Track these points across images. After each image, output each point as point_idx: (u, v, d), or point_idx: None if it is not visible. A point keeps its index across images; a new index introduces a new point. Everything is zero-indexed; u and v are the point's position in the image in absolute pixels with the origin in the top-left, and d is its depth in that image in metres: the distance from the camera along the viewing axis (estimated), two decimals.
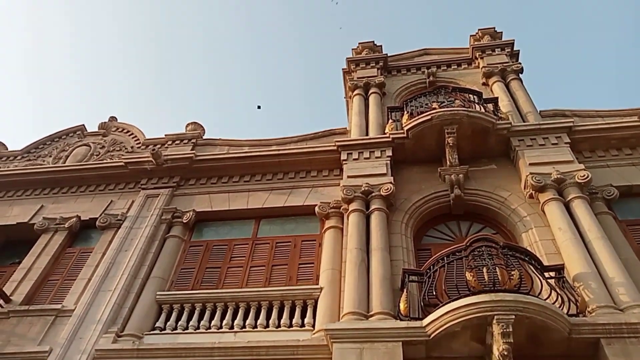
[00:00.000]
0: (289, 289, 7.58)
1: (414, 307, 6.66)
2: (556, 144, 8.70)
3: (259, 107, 29.01)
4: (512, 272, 6.20)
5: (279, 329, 7.10)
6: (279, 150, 10.07)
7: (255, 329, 7.14)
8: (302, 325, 7.12)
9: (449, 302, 6.05)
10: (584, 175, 7.87)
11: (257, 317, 7.33)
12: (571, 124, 8.90)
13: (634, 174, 8.38)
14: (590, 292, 6.35)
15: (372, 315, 6.59)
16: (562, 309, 6.01)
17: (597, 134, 8.85)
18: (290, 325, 7.15)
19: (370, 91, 11.63)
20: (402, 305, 6.57)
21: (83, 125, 12.53)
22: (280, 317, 7.28)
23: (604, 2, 36.86)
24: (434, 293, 6.48)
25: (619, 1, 36.44)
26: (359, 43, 13.28)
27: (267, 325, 7.18)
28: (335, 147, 9.64)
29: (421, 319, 6.26)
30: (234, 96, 40.99)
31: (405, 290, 6.77)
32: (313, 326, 7.02)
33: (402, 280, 6.95)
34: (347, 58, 12.84)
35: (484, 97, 9.91)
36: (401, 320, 6.44)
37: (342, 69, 12.97)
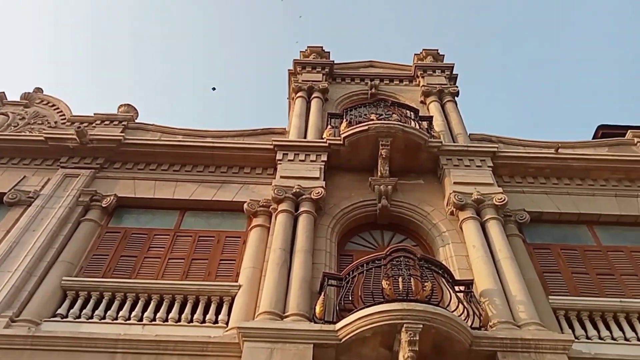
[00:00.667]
0: (206, 285, 7.40)
1: (330, 311, 6.73)
2: (480, 166, 9.17)
3: (213, 89, 28.34)
4: (426, 284, 6.44)
5: (191, 324, 6.90)
6: (213, 142, 9.85)
7: (166, 323, 6.89)
8: (216, 322, 6.97)
9: (363, 308, 6.17)
10: (501, 199, 8.35)
11: (169, 311, 7.08)
12: (495, 149, 9.42)
13: (545, 202, 9.00)
14: (494, 308, 6.72)
15: (287, 316, 6.58)
16: (466, 322, 6.30)
17: (517, 162, 9.43)
18: (203, 322, 6.97)
19: (313, 95, 11.71)
20: (318, 308, 6.62)
21: (3, 92, 11.61)
22: (193, 312, 7.08)
23: (546, 39, 39.55)
24: (351, 298, 6.59)
25: (558, 41, 39.23)
26: (308, 46, 13.35)
27: (179, 320, 6.95)
28: (271, 146, 9.59)
29: (335, 323, 6.33)
30: (174, 82, 39.80)
31: (323, 294, 6.83)
32: (227, 324, 6.90)
33: (322, 284, 7.01)
34: (294, 59, 12.86)
35: (420, 114, 10.27)
36: (315, 322, 6.48)
37: (288, 70, 12.97)
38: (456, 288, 6.81)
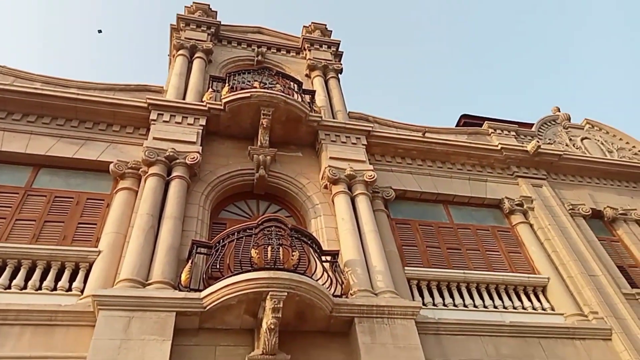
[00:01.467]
0: (60, 249, 6.76)
1: (197, 280, 6.61)
2: (355, 144, 9.57)
3: (99, 32, 25.49)
4: (294, 253, 6.61)
5: (39, 291, 6.30)
6: (78, 94, 8.89)
7: (8, 291, 6.20)
8: (69, 289, 6.44)
9: (230, 276, 6.16)
10: (371, 176, 8.83)
11: (13, 277, 6.37)
12: (370, 129, 9.88)
13: (409, 181, 9.73)
14: (356, 277, 7.16)
15: (150, 284, 6.32)
16: (329, 290, 6.63)
17: (389, 142, 10.02)
18: (54, 289, 6.40)
19: (196, 55, 11.13)
20: (183, 276, 6.45)
21: None
22: (43, 279, 6.46)
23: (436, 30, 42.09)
24: (220, 267, 6.52)
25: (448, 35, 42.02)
26: (194, 2, 12.58)
27: (25, 287, 6.30)
28: (145, 104, 8.95)
29: (201, 291, 6.24)
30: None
31: (190, 262, 6.66)
32: (82, 292, 6.42)
33: (190, 252, 6.83)
34: (177, 14, 12.05)
35: (304, 87, 10.35)
36: (180, 290, 6.32)
37: (171, 25, 12.13)
38: (323, 258, 7.10)
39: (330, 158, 9.03)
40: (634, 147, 12.69)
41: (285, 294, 5.96)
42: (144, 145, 8.15)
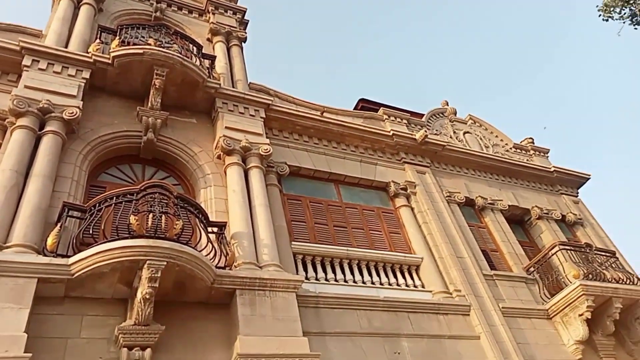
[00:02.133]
0: None
1: (67, 245, 6.09)
2: (253, 116, 9.40)
3: None
4: (178, 222, 6.35)
5: None
6: None
7: None
8: None
9: (104, 242, 5.76)
10: (267, 150, 8.77)
11: None
12: (270, 102, 9.77)
13: (305, 158, 9.83)
14: (242, 250, 7.11)
15: (9, 247, 5.69)
16: (213, 261, 6.51)
17: (288, 118, 10.00)
18: None
19: (84, 0, 10.05)
20: (50, 240, 5.90)
21: None
22: None
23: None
24: (94, 233, 6.07)
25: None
26: None
27: None
28: (18, 47, 7.92)
29: (69, 257, 5.76)
30: None
31: (59, 225, 6.11)
32: None
33: (60, 214, 6.26)
34: None
35: (204, 51, 9.87)
36: (45, 255, 5.78)
37: None
38: (210, 229, 6.93)
39: (226, 128, 8.78)
40: (506, 144, 14.08)
41: (165, 263, 5.72)
42: (12, 94, 7.23)
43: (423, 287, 9.01)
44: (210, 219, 7.16)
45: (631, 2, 12.26)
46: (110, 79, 8.47)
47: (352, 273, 8.52)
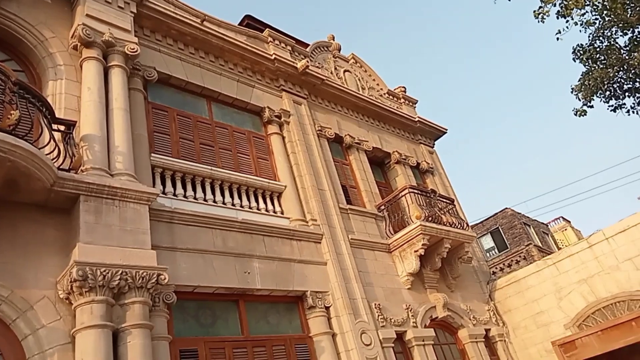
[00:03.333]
0: None
1: None
2: (122, 8, 8.33)
3: None
4: (14, 112, 5.52)
5: None
6: None
7: None
8: None
9: None
10: (134, 49, 7.91)
11: None
12: None
13: (177, 67, 9.12)
14: (92, 154, 6.50)
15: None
16: (55, 162, 5.86)
17: (163, 18, 9.05)
18: None
19: None
20: None
21: None
22: None
23: None
24: None
25: None
26: None
27: None
28: None
29: None
30: None
31: None
32: None
33: None
34: None
35: None
36: None
37: None
38: (55, 127, 6.19)
39: (87, 16, 7.68)
40: (381, 89, 14.67)
41: None
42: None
43: (282, 213, 9.28)
44: (57, 116, 6.39)
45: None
46: None
47: (214, 193, 8.40)
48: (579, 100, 14.66)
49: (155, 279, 5.99)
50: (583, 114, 14.56)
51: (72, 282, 5.39)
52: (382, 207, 11.30)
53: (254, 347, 7.34)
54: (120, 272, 5.70)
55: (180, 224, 7.31)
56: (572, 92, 14.68)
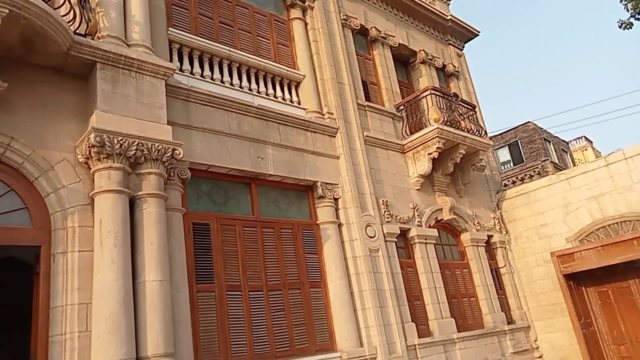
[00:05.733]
0: None
1: None
2: None
3: None
4: None
5: None
6: None
7: None
8: None
9: None
10: None
11: None
12: None
13: None
14: (108, 21, 6.30)
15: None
16: (71, 25, 5.71)
17: None
18: None
19: None
20: None
21: None
22: None
23: None
24: None
25: None
26: None
27: None
28: None
29: None
30: None
31: None
32: None
33: None
34: None
35: None
36: None
37: None
38: None
39: None
40: None
41: (7, 11, 4.86)
42: None
43: (299, 104, 9.17)
44: None
45: None
46: None
47: (231, 75, 8.26)
48: (627, 10, 13.55)
49: (171, 153, 6.10)
50: (629, 26, 13.53)
51: (90, 148, 5.52)
52: (401, 107, 11.09)
53: (263, 227, 7.68)
54: (136, 142, 5.80)
55: (196, 103, 7.28)
56: (621, 1, 13.52)
